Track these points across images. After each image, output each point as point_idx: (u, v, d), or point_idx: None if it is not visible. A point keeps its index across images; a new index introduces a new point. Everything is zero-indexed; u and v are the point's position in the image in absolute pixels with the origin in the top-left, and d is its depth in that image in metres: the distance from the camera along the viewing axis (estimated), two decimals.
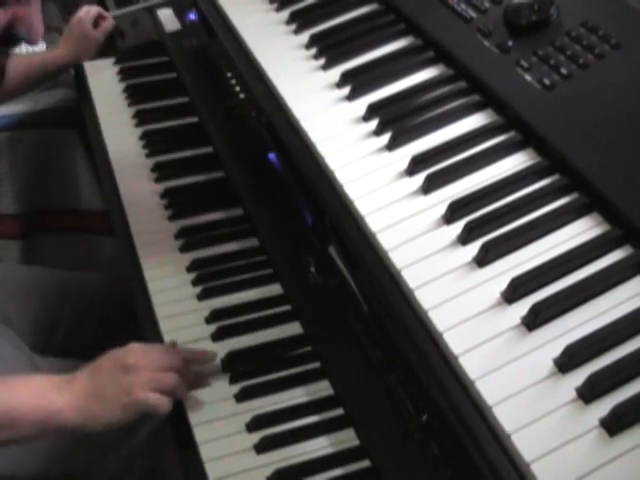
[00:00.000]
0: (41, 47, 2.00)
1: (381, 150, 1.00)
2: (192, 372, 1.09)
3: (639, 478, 0.69)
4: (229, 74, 1.59)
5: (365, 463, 1.00)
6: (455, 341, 0.79)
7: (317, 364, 1.12)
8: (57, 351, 1.38)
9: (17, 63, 1.64)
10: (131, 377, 1.01)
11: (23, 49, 1.76)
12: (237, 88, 1.56)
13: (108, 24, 1.73)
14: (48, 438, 1.19)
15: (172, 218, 1.37)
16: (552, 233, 0.87)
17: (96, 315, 1.47)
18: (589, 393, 0.73)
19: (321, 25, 1.22)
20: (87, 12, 1.70)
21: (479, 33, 1.07)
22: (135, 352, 1.05)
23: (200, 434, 1.04)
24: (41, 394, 1.00)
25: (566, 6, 1.04)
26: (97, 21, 1.71)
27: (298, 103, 1.10)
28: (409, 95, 1.06)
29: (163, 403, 1.02)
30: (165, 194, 1.42)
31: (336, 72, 1.12)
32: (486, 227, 0.88)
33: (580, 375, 0.74)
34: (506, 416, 0.74)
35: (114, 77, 1.75)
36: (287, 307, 1.21)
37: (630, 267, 0.81)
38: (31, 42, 1.03)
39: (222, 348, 1.14)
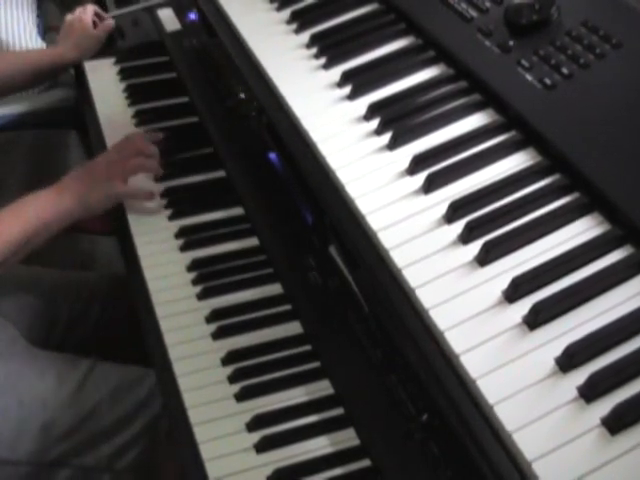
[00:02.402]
0: (41, 47, 2.01)
1: (382, 149, 1.00)
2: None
3: None
4: (229, 74, 1.60)
5: (365, 463, 1.00)
6: (456, 340, 0.79)
7: (317, 364, 1.12)
8: (55, 349, 1.38)
9: (14, 60, 1.64)
10: (108, 174, 1.29)
11: None
12: (237, 88, 1.56)
13: (109, 23, 1.73)
14: (43, 424, 1.23)
15: (172, 218, 1.37)
16: (553, 233, 0.87)
17: (95, 314, 1.47)
18: (590, 392, 0.73)
19: (322, 25, 1.22)
20: (86, 11, 1.70)
21: (480, 33, 1.07)
22: (105, 157, 1.33)
23: (200, 433, 1.04)
24: (52, 202, 1.24)
25: (567, 6, 1.05)
26: (97, 20, 1.72)
27: (299, 103, 1.10)
28: (410, 95, 1.06)
29: (135, 190, 1.36)
30: (165, 194, 1.42)
31: (337, 71, 1.12)
32: (487, 226, 0.88)
33: (581, 374, 0.74)
34: (507, 415, 0.74)
35: (114, 77, 1.74)
36: (287, 307, 1.20)
37: (631, 266, 0.82)
38: None
39: (222, 347, 1.14)
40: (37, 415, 1.23)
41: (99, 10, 1.75)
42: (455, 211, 0.90)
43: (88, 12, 1.71)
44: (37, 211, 1.22)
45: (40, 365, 1.27)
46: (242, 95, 1.54)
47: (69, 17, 1.71)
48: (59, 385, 1.26)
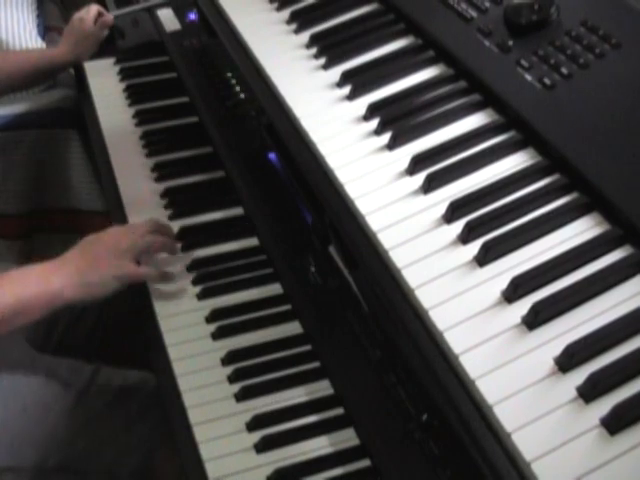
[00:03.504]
0: (41, 47, 2.01)
1: (381, 149, 1.00)
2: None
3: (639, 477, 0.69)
4: (229, 74, 1.60)
5: (365, 462, 1.00)
6: (455, 340, 0.79)
7: (317, 363, 1.12)
8: (55, 350, 1.38)
9: (16, 56, 1.64)
10: (118, 251, 1.14)
11: None
12: (237, 88, 1.56)
13: (107, 19, 1.73)
14: (45, 430, 1.22)
15: (172, 218, 1.37)
16: (552, 232, 0.87)
17: (95, 314, 1.47)
18: (589, 392, 0.73)
19: (321, 25, 1.22)
20: (88, 11, 1.71)
21: (479, 33, 1.07)
22: (116, 232, 1.19)
23: (200, 433, 1.04)
24: (41, 281, 1.09)
25: (566, 6, 1.04)
26: (96, 20, 1.72)
27: (298, 102, 1.10)
28: (409, 95, 1.06)
29: (148, 272, 1.19)
30: (165, 194, 1.42)
31: (336, 72, 1.12)
32: (486, 226, 0.88)
33: (580, 374, 0.74)
34: (506, 415, 0.74)
35: (114, 77, 1.75)
36: (287, 307, 1.21)
37: (630, 266, 0.81)
38: None
39: (222, 347, 1.15)
40: (40, 422, 1.23)
41: (103, 10, 1.75)
42: (454, 211, 0.90)
43: (91, 12, 1.71)
44: (17, 290, 1.08)
45: (44, 371, 1.26)
46: (242, 95, 1.54)
47: (74, 16, 1.71)
48: (63, 392, 1.25)
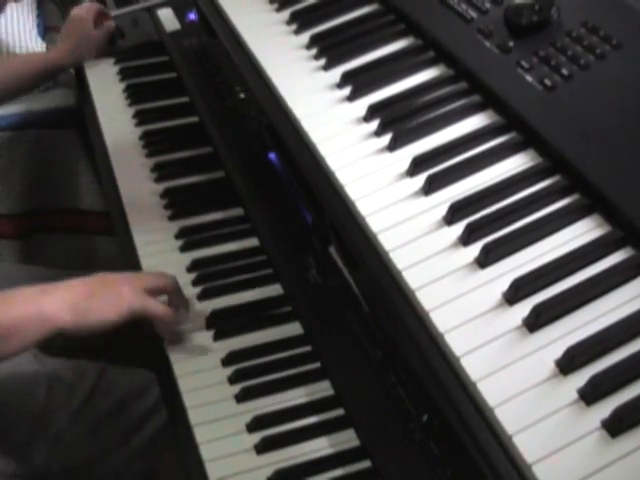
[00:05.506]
0: (41, 47, 2.01)
1: (382, 151, 1.00)
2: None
3: None
4: (229, 74, 1.60)
5: (365, 463, 1.00)
6: (456, 342, 0.79)
7: (317, 364, 1.12)
8: (59, 351, 1.38)
9: (16, 62, 1.64)
10: (139, 285, 1.06)
11: None
12: (237, 88, 1.56)
13: (109, 24, 1.73)
14: (50, 434, 1.21)
15: (172, 218, 1.37)
16: (553, 234, 0.87)
17: None
18: (591, 395, 0.73)
19: (322, 25, 1.22)
20: (88, 10, 1.70)
21: (480, 33, 1.07)
22: (126, 276, 1.10)
23: (200, 434, 1.04)
24: (29, 302, 1.00)
25: (567, 6, 1.04)
26: (99, 19, 1.71)
27: (298, 103, 1.09)
28: (410, 96, 1.06)
29: (168, 312, 1.08)
30: (165, 194, 1.42)
31: (337, 72, 1.12)
32: (487, 228, 0.88)
33: (582, 377, 0.74)
34: (507, 417, 0.73)
35: (114, 77, 1.75)
36: (287, 307, 1.21)
37: (631, 268, 0.81)
38: None
39: (222, 348, 1.14)
40: (47, 429, 1.23)
41: (103, 8, 1.74)
42: (455, 213, 0.89)
43: (91, 11, 1.70)
44: (17, 304, 0.99)
45: (49, 374, 1.25)
46: (242, 95, 1.54)
47: (73, 12, 1.70)
48: (69, 397, 1.25)
